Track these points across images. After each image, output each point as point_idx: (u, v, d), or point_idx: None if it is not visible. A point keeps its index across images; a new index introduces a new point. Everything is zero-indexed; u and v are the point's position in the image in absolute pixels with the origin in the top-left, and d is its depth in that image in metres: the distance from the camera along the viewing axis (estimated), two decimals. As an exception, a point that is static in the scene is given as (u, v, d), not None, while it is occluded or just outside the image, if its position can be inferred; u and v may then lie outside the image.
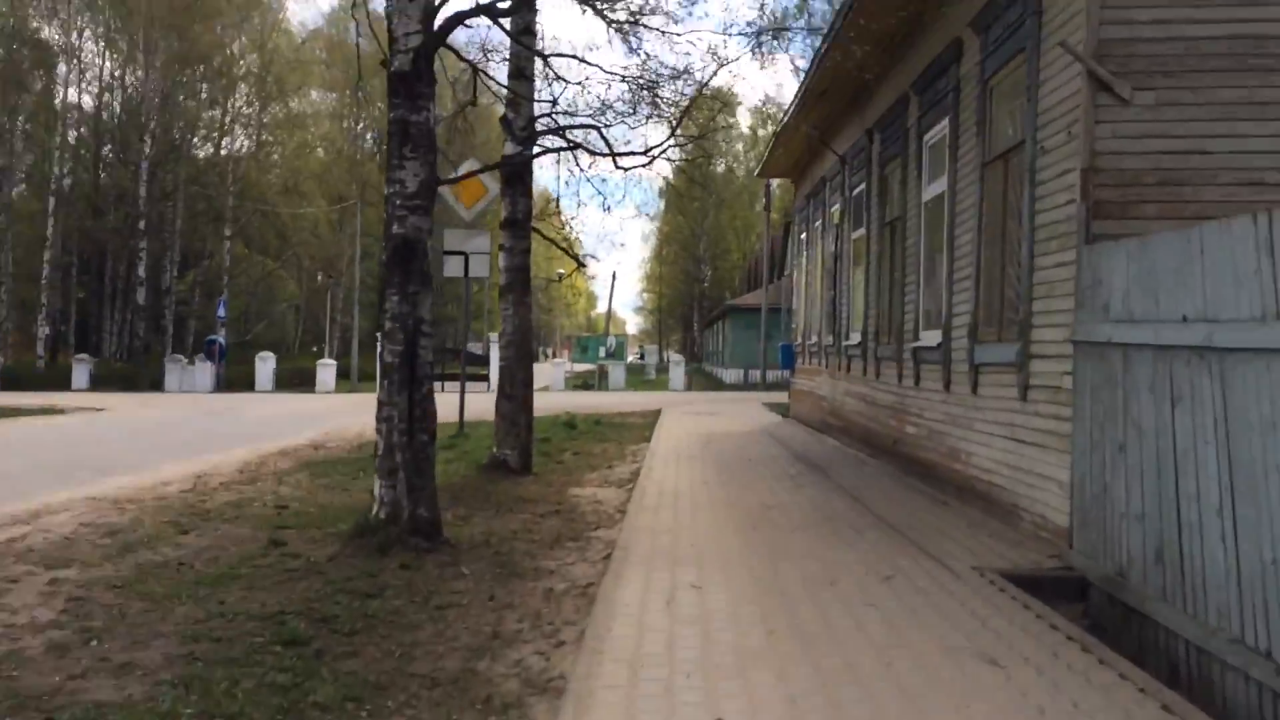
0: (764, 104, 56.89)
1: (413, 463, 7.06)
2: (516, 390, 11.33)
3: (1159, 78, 6.44)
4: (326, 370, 36.16)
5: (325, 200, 46.33)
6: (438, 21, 7.32)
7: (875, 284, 13.03)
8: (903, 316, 11.40)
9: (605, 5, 10.89)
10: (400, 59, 7.08)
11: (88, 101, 43.58)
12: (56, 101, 41.45)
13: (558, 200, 14.90)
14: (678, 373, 39.11)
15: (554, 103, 10.36)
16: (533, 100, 11.08)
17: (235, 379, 36.07)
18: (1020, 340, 7.45)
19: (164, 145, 41.09)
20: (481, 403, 17.09)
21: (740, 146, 63.65)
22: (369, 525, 7.07)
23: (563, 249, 11.74)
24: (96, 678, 4.36)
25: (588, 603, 5.78)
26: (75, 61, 41.29)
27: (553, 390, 35.46)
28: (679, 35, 19.40)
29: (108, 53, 42.85)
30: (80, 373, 34.82)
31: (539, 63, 10.75)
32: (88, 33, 42.38)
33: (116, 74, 43.07)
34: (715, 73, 21.44)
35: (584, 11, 11.61)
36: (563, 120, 11.03)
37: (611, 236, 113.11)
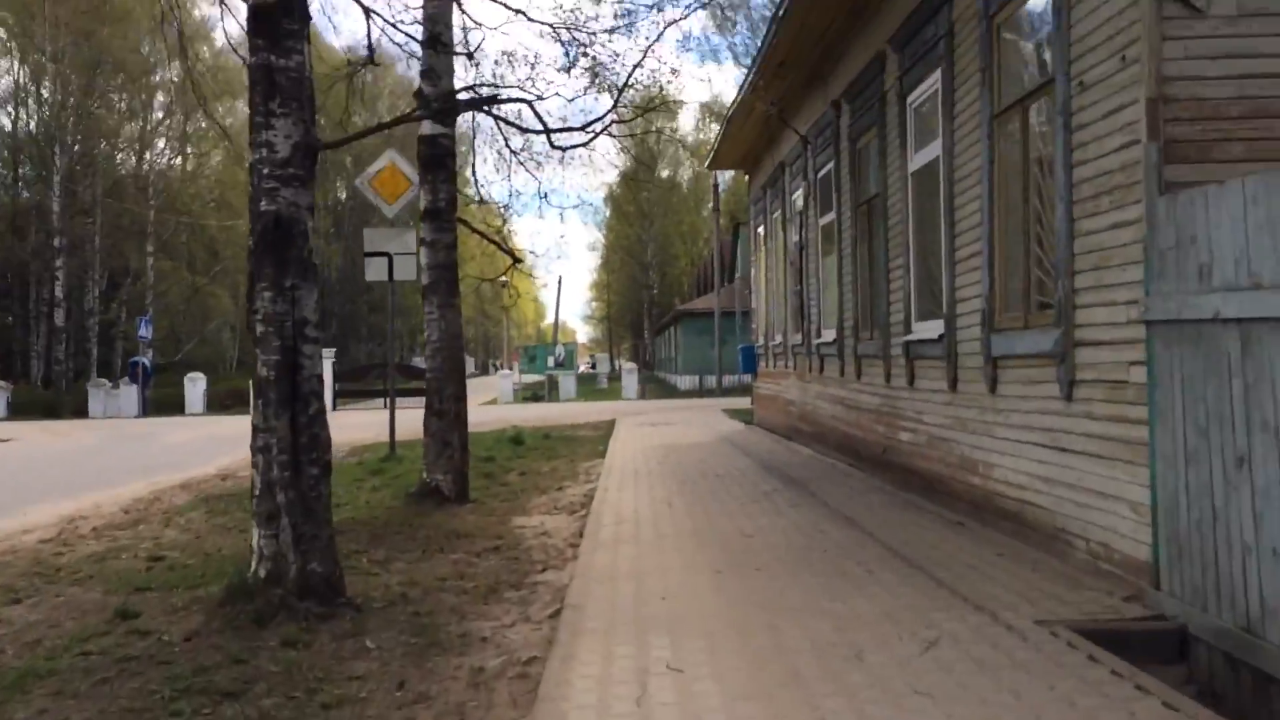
0: (712, 100, 55.39)
1: (299, 504, 5.48)
2: (447, 405, 9.77)
3: (1240, -20, 5.04)
4: (260, 390, 34.17)
5: (257, 213, 44.26)
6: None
7: (851, 273, 11.59)
8: (888, 307, 9.96)
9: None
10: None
11: (3, 119, 41.49)
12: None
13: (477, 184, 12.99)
14: (630, 381, 37.58)
15: (470, 55, 8.69)
16: (452, 69, 9.44)
17: (164, 401, 34.25)
18: (1060, 325, 6.00)
19: (79, 158, 38.89)
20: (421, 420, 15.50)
21: (683, 154, 62.00)
22: (244, 587, 5.49)
23: (494, 242, 10.14)
24: None
25: (528, 689, 4.30)
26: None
27: (501, 403, 33.98)
28: None
29: (18, 64, 40.65)
30: (-3, 401, 32.67)
31: (457, 14, 9.12)
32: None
33: (29, 85, 40.88)
34: (662, 32, 19.80)
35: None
36: (488, 93, 9.48)
37: (554, 236, 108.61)
